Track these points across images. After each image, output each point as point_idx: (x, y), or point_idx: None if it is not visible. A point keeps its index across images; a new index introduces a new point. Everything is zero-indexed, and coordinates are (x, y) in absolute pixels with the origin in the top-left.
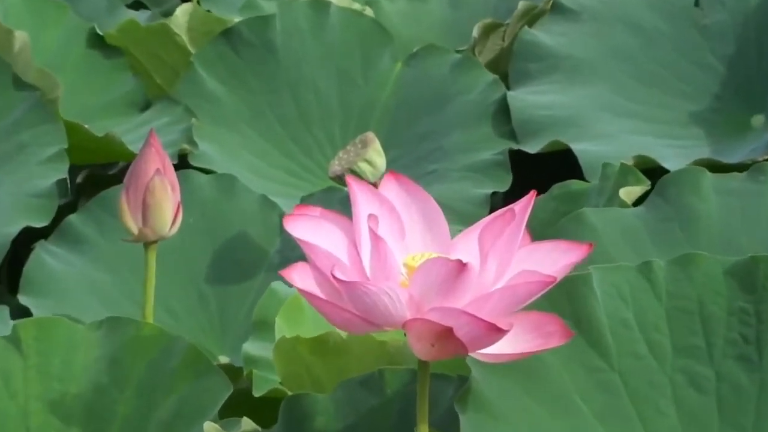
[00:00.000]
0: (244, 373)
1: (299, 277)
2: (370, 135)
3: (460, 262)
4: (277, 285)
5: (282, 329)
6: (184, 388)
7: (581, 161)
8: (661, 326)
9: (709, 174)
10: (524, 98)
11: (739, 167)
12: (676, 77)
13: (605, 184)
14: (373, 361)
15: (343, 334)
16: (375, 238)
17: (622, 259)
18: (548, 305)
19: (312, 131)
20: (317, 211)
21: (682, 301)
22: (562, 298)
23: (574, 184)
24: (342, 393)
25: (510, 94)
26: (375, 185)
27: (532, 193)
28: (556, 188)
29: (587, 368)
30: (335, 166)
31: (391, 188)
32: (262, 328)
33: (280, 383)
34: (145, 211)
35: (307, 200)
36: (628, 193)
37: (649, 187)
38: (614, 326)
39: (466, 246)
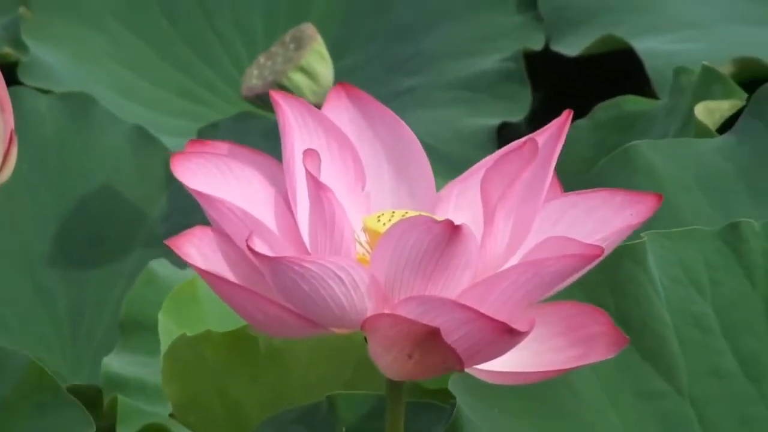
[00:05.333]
0: (105, 401)
1: (197, 249)
2: (309, 29)
3: (450, 223)
4: (157, 265)
5: (169, 331)
6: (19, 428)
7: (649, 68)
8: (758, 328)
9: None
10: None
11: None
12: None
13: (679, 101)
14: (330, 372)
15: None
16: (316, 187)
17: (696, 220)
18: (578, 293)
19: (217, 26)
20: (224, 146)
21: None
22: (601, 285)
23: (628, 101)
24: None
25: None
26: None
27: (567, 114)
28: (601, 109)
29: (643, 395)
30: (253, 80)
31: (341, 108)
32: (134, 331)
33: (170, 415)
34: None
35: (208, 133)
36: (710, 111)
37: (745, 103)
38: (683, 328)
39: (461, 200)
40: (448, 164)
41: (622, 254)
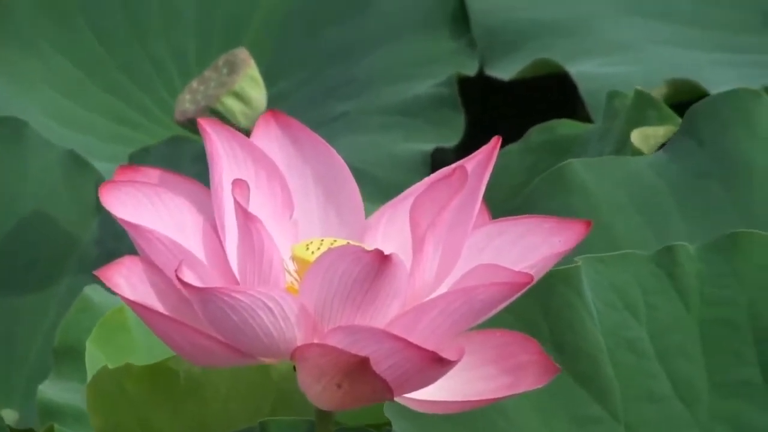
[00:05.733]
0: (41, 430)
1: (125, 280)
2: (242, 54)
3: (379, 253)
4: (92, 291)
5: (96, 360)
6: None
7: (583, 91)
8: (691, 351)
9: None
10: None
11: None
12: None
13: (612, 125)
14: (250, 403)
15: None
16: (245, 217)
17: (629, 240)
18: (510, 319)
19: (150, 50)
20: (154, 173)
21: (724, 310)
22: (534, 309)
23: (562, 125)
24: None
25: None
26: (250, 132)
27: (495, 141)
28: (535, 133)
29: (578, 420)
30: (186, 104)
31: (270, 136)
32: (69, 358)
33: None
34: None
35: (139, 158)
36: (646, 137)
37: (677, 127)
38: (618, 352)
39: (390, 227)
40: (381, 189)
41: (556, 279)
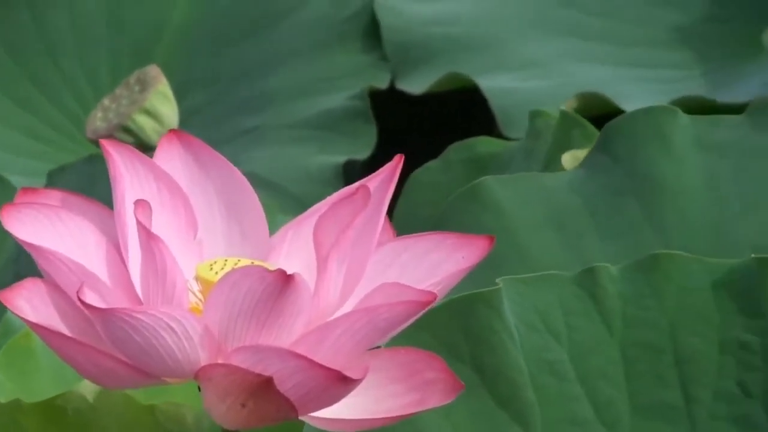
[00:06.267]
0: None
1: (28, 302)
2: (153, 71)
3: (282, 273)
4: (13, 316)
5: (2, 387)
6: None
7: (494, 106)
8: (613, 373)
9: (683, 117)
10: (401, 6)
11: (740, 109)
12: None
13: (537, 145)
14: None
15: (93, 391)
16: (147, 236)
17: (545, 259)
18: (431, 341)
19: (63, 67)
20: (56, 195)
21: (646, 333)
22: (455, 330)
23: (481, 142)
24: None
25: (379, 2)
26: None
27: (398, 159)
28: (455, 150)
29: None
30: (97, 122)
31: (173, 155)
32: None
33: None
34: None
35: (56, 176)
36: (576, 159)
37: None
38: (538, 375)
39: (295, 244)
40: (294, 201)
41: (477, 301)
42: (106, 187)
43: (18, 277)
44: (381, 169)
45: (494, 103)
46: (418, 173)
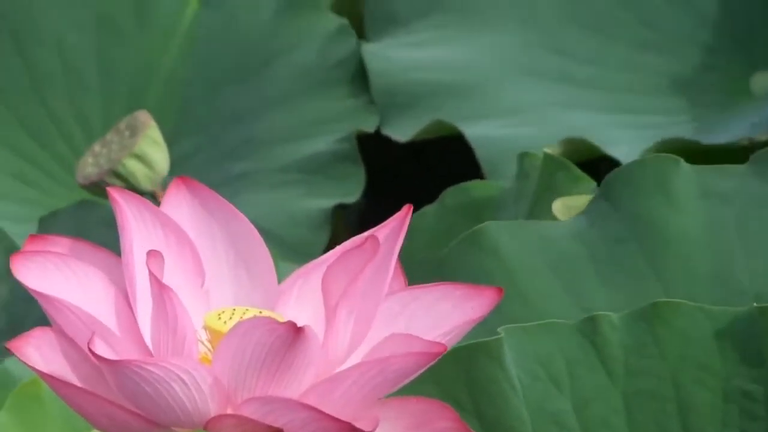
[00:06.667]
0: None
1: (37, 351)
2: (143, 116)
3: (292, 325)
4: (11, 364)
5: None
6: None
7: (479, 155)
8: (615, 423)
9: (685, 166)
10: (390, 53)
11: (729, 151)
12: (635, 17)
13: (524, 186)
14: None
15: None
16: (159, 287)
17: (547, 306)
18: (434, 390)
19: (54, 111)
20: (65, 242)
21: (648, 382)
22: (458, 382)
23: (475, 186)
24: None
25: (366, 48)
26: (154, 197)
27: (407, 209)
28: (450, 194)
29: None
30: (88, 168)
31: (180, 202)
32: None
33: None
34: None
35: (48, 222)
36: (567, 207)
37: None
38: (541, 425)
39: (303, 295)
40: (283, 247)
41: (478, 350)
42: (98, 233)
43: (12, 322)
44: (389, 219)
45: (479, 151)
46: (415, 218)
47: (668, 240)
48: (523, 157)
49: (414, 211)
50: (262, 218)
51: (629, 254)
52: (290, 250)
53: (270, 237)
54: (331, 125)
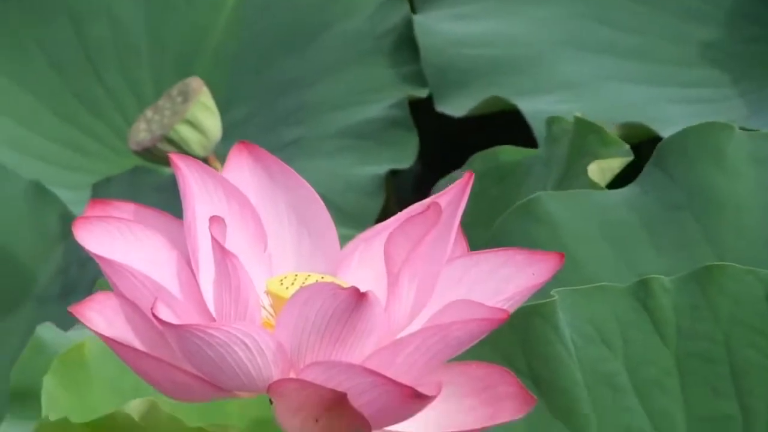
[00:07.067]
0: None
1: (101, 316)
2: (195, 82)
3: (356, 291)
4: (45, 330)
5: (54, 399)
6: None
7: (534, 128)
8: (668, 385)
9: (738, 132)
10: (440, 27)
11: None
12: None
13: (554, 151)
14: None
15: (140, 412)
16: (222, 253)
17: (600, 273)
18: (490, 353)
19: (105, 79)
20: (128, 207)
21: (701, 344)
22: (513, 343)
23: (504, 151)
24: None
25: (417, 19)
26: (207, 163)
27: (469, 176)
28: (479, 159)
29: None
30: (140, 133)
31: (242, 167)
32: (26, 400)
33: None
34: None
35: (102, 188)
36: (602, 170)
37: (631, 157)
38: (594, 386)
39: (364, 261)
40: (337, 212)
41: (533, 313)
42: (150, 199)
43: (65, 287)
44: (451, 186)
45: (535, 125)
46: (443, 183)
47: (722, 207)
48: (551, 121)
49: (442, 177)
50: (316, 184)
51: (682, 221)
52: (344, 215)
53: (324, 202)
54: (384, 92)
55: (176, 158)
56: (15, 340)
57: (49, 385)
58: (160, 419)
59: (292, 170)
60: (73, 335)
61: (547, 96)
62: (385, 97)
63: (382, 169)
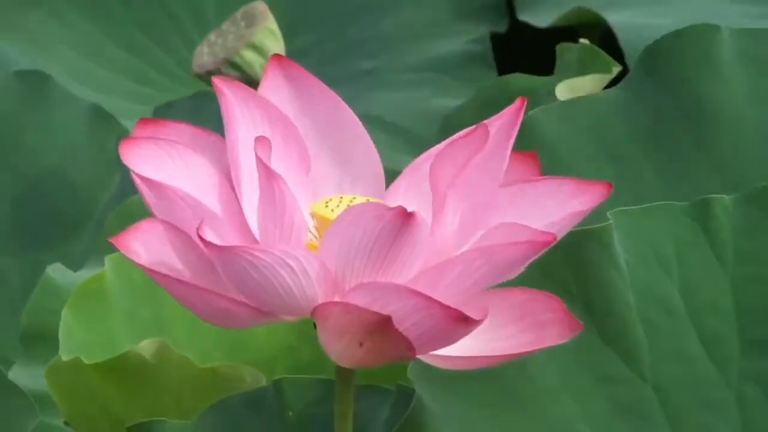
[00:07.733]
0: None
1: (143, 245)
2: (260, 7)
3: (402, 210)
4: (54, 271)
5: (71, 332)
6: None
7: (623, 44)
8: (723, 309)
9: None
10: None
11: None
12: None
13: (564, 78)
14: (198, 394)
15: (152, 352)
16: (267, 174)
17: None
18: (540, 279)
19: (169, 9)
20: (175, 128)
21: (758, 267)
22: (563, 268)
23: (516, 78)
24: (214, 419)
25: None
26: None
27: (521, 101)
28: (491, 87)
29: (603, 380)
30: (204, 57)
31: (278, 86)
32: (38, 342)
33: (66, 423)
34: None
35: (163, 112)
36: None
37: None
38: (648, 310)
39: (411, 189)
40: (410, 144)
41: (584, 237)
42: (211, 123)
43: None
44: (503, 111)
45: (624, 41)
46: (451, 115)
47: (717, 117)
48: (563, 49)
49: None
50: (390, 115)
51: (676, 132)
52: (416, 147)
53: (397, 133)
54: (464, 25)
55: (218, 82)
56: (75, 261)
57: (68, 319)
58: (172, 359)
59: (331, 91)
60: (84, 275)
61: (634, 9)
62: (465, 31)
63: (458, 102)
